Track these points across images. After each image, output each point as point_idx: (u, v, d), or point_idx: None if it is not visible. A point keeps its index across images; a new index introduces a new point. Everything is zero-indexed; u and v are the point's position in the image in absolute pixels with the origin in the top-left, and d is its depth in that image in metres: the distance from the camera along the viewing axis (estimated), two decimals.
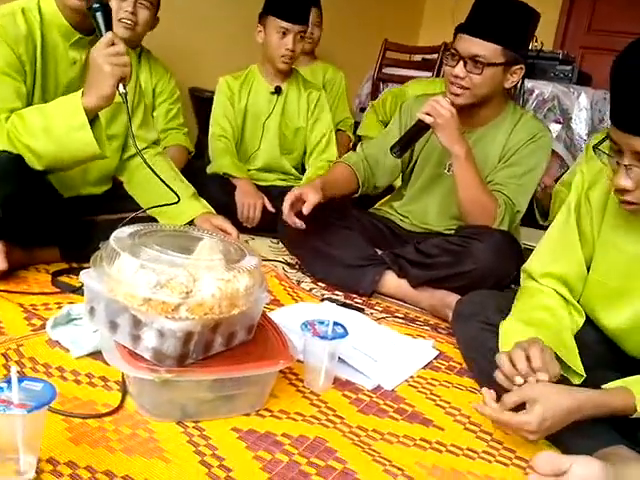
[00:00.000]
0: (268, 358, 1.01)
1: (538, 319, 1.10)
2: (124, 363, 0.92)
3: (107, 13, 1.34)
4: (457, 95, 1.60)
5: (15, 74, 1.37)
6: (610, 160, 0.97)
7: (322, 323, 1.13)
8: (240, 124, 2.34)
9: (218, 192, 2.18)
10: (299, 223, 1.65)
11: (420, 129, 1.61)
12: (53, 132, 1.32)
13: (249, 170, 2.37)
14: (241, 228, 2.16)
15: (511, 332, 1.08)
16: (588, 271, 1.15)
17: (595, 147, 1.00)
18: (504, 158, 1.71)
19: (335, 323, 1.13)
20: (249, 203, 2.16)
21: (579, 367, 1.04)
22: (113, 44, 1.31)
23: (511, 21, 1.57)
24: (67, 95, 1.37)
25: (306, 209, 1.62)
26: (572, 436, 0.97)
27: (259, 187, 2.29)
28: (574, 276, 1.15)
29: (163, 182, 1.39)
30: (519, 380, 0.96)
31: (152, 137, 1.72)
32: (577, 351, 1.06)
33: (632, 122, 0.90)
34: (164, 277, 0.90)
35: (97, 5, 1.33)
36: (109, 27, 1.34)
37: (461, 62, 1.57)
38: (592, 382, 1.02)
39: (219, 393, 0.97)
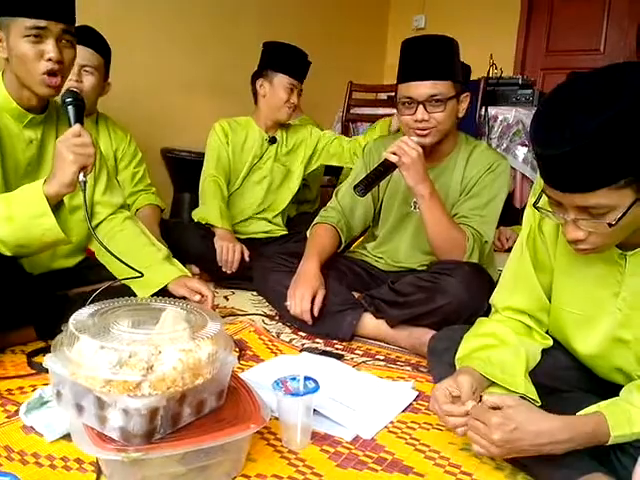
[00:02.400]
0: (240, 423, 1.00)
1: (478, 346, 1.13)
2: (92, 445, 0.92)
3: (79, 107, 1.40)
4: (425, 136, 1.65)
5: None
6: (554, 216, 0.96)
7: (294, 379, 1.13)
8: (232, 165, 2.40)
9: (198, 239, 2.23)
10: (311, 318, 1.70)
11: (386, 168, 1.64)
12: (16, 220, 1.34)
13: (235, 223, 2.41)
14: (220, 279, 2.19)
15: (460, 362, 1.13)
16: (550, 300, 1.16)
17: (535, 206, 0.99)
18: (465, 190, 1.74)
19: (306, 378, 1.13)
20: (228, 246, 2.19)
21: (519, 388, 1.05)
22: (79, 135, 1.35)
23: (446, 55, 1.64)
24: (30, 183, 1.39)
25: (317, 309, 1.69)
26: (547, 467, 0.97)
27: (240, 240, 2.33)
28: (535, 308, 1.16)
29: (119, 260, 1.41)
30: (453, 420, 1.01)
31: (118, 201, 1.72)
32: (522, 372, 1.08)
33: (569, 181, 0.87)
34: (125, 355, 0.91)
35: (70, 99, 1.39)
36: (80, 119, 1.38)
37: (420, 106, 1.62)
38: (568, 407, 1.01)
39: (192, 465, 0.97)
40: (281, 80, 2.32)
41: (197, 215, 2.36)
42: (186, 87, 3.06)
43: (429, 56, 1.61)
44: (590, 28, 3.86)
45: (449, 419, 1.02)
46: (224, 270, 2.18)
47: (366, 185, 1.62)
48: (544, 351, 1.18)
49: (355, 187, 1.63)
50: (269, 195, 2.46)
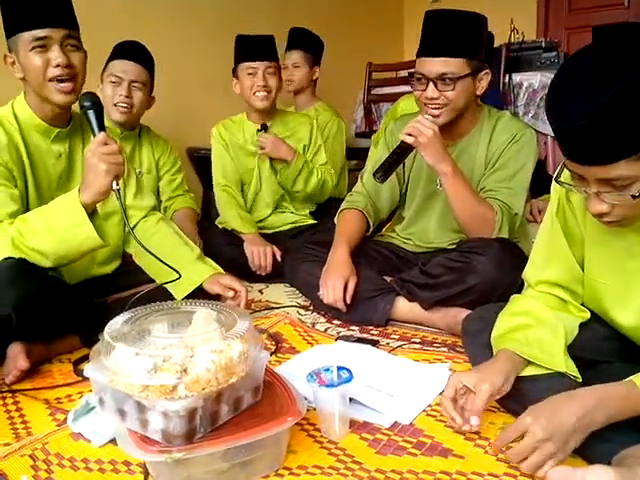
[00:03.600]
0: (277, 417, 1.02)
1: (514, 326, 1.12)
2: (136, 448, 0.95)
3: (99, 111, 1.41)
4: (437, 115, 1.62)
5: (5, 181, 1.46)
6: (577, 189, 0.94)
7: (327, 370, 1.14)
8: (238, 167, 2.41)
9: (227, 246, 2.26)
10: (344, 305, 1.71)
11: (403, 150, 1.63)
12: (56, 231, 1.39)
13: (257, 221, 2.43)
14: (253, 277, 2.21)
15: (495, 346, 1.12)
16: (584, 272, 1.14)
17: (557, 180, 0.97)
18: (490, 164, 1.71)
19: (340, 368, 1.14)
20: (259, 251, 2.22)
21: (560, 367, 1.04)
22: (106, 143, 1.37)
23: (465, 32, 1.59)
24: (64, 194, 1.44)
25: (349, 296, 1.69)
26: (589, 441, 0.95)
27: (267, 235, 2.35)
28: (569, 279, 1.14)
29: (160, 260, 1.43)
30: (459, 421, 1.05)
31: (149, 204, 1.75)
32: (561, 350, 1.07)
33: (588, 154, 0.86)
34: (159, 360, 0.94)
35: (88, 103, 1.40)
36: (101, 124, 1.41)
37: (431, 83, 1.59)
38: (609, 378, 0.99)
39: (234, 461, 0.99)
40: (241, 69, 2.31)
41: (221, 224, 2.40)
42: (206, 86, 3.08)
43: (444, 32, 1.57)
44: None
45: (447, 411, 1.07)
46: (258, 274, 2.20)
47: (385, 171, 1.62)
48: (581, 324, 1.16)
49: (374, 174, 1.63)
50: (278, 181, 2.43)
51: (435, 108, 1.61)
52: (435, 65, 1.57)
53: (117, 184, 1.38)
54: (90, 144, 1.40)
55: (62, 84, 1.45)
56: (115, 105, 2.14)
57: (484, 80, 1.64)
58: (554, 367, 1.05)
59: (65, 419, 1.21)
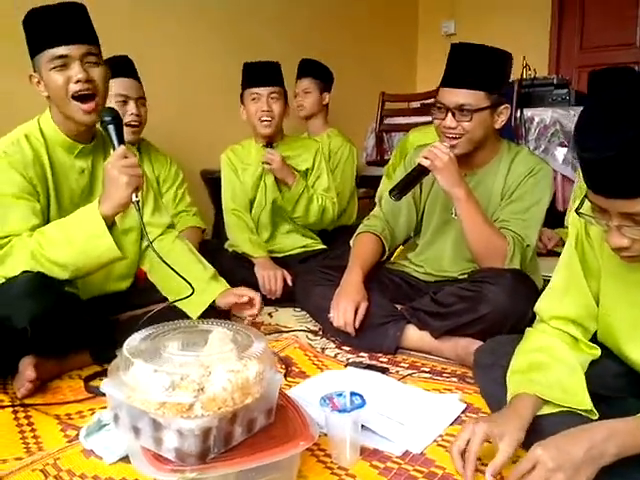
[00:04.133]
0: (290, 441, 1.02)
1: (531, 364, 1.11)
2: (149, 466, 0.95)
3: (119, 125, 1.46)
4: (454, 146, 1.65)
5: (28, 196, 1.48)
6: (597, 222, 0.95)
7: (340, 395, 1.14)
8: (248, 194, 2.43)
9: (237, 268, 2.26)
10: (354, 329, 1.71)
11: (419, 173, 1.67)
12: (75, 242, 1.41)
13: (268, 241, 2.44)
14: (263, 300, 2.22)
15: (511, 384, 1.11)
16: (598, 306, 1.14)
17: (578, 212, 0.98)
18: (506, 196, 1.73)
19: (352, 393, 1.14)
20: (269, 275, 2.23)
21: (584, 405, 1.04)
22: (126, 156, 1.41)
23: (488, 66, 1.63)
24: (84, 206, 1.47)
25: (359, 320, 1.69)
26: (602, 477, 0.95)
27: (277, 259, 2.37)
28: (584, 315, 1.15)
29: (178, 274, 1.44)
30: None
31: (166, 221, 1.77)
32: (582, 388, 1.06)
33: (613, 187, 0.86)
34: (177, 378, 0.95)
35: (109, 118, 1.45)
36: (121, 138, 1.45)
37: (450, 113, 1.63)
38: (621, 412, 0.98)
39: None
40: (245, 96, 2.35)
41: (231, 247, 2.41)
42: (220, 108, 3.13)
43: (466, 64, 1.62)
44: (624, 22, 3.78)
45: (456, 463, 1.03)
46: (268, 298, 2.21)
47: (401, 189, 1.66)
48: (592, 361, 1.16)
49: (390, 192, 1.67)
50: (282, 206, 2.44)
51: (452, 137, 1.65)
52: (455, 96, 1.62)
53: (137, 196, 1.40)
54: (110, 157, 1.43)
55: (85, 105, 1.48)
56: (126, 125, 2.17)
57: (504, 114, 1.67)
58: (579, 406, 1.04)
59: (76, 435, 1.22)
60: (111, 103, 2.17)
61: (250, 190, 2.43)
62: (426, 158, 1.62)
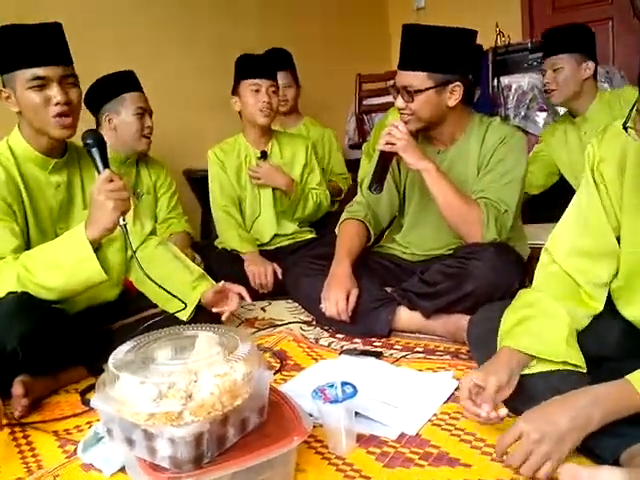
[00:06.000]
0: (284, 437, 1.03)
1: (517, 320, 1.12)
2: (145, 476, 0.96)
3: (102, 149, 1.44)
4: (407, 122, 1.69)
5: (5, 217, 1.48)
6: None
7: (331, 386, 1.15)
8: (237, 190, 2.43)
9: (228, 265, 2.27)
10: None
11: (385, 159, 1.69)
12: (63, 266, 1.41)
13: (256, 239, 2.45)
14: (255, 295, 2.22)
15: (500, 342, 1.12)
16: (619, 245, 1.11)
17: (626, 127, 0.94)
18: (482, 167, 1.74)
19: (343, 383, 1.15)
20: (259, 270, 2.23)
21: (558, 356, 1.04)
22: (111, 180, 1.40)
23: (432, 47, 1.63)
24: (70, 230, 1.47)
25: (351, 307, 1.70)
26: (596, 437, 0.95)
27: (267, 252, 2.37)
28: (601, 253, 1.12)
29: (164, 290, 1.47)
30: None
31: (147, 229, 1.77)
32: (562, 339, 1.06)
33: None
34: (164, 387, 0.95)
35: (91, 141, 1.43)
36: (105, 161, 1.43)
37: (399, 94, 1.66)
38: (619, 375, 0.97)
39: None
40: (244, 86, 2.33)
41: (220, 244, 2.42)
42: (201, 107, 3.10)
43: (411, 46, 1.64)
44: None
45: (469, 410, 1.05)
46: (260, 292, 2.21)
47: (378, 181, 1.68)
48: (593, 318, 1.14)
49: (369, 188, 1.69)
50: (278, 207, 2.46)
51: (405, 115, 1.69)
52: (401, 77, 1.66)
53: (124, 219, 1.40)
54: (96, 181, 1.42)
55: (63, 119, 1.48)
56: (144, 136, 2.24)
57: (456, 92, 1.67)
58: (554, 357, 1.04)
59: (75, 450, 1.22)
60: (129, 116, 2.20)
61: (241, 190, 2.44)
62: (386, 143, 1.64)
